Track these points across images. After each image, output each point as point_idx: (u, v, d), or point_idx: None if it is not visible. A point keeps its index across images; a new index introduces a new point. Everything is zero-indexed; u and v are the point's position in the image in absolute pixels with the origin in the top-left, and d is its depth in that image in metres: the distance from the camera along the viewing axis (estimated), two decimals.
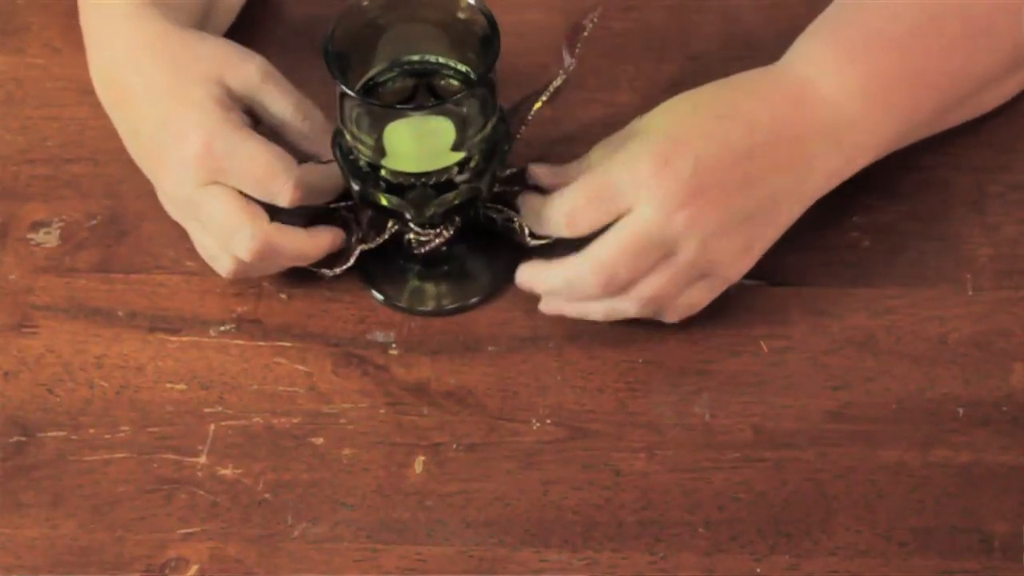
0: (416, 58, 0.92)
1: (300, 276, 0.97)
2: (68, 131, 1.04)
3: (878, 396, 0.92)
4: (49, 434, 0.92)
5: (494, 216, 0.96)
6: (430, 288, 0.97)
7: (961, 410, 0.91)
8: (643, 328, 0.94)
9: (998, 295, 0.95)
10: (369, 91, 0.91)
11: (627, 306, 0.92)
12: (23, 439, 0.92)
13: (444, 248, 0.96)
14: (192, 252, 0.97)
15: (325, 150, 0.93)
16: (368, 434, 0.92)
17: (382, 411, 0.92)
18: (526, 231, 0.94)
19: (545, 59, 0.98)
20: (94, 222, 1.00)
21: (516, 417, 0.92)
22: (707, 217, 0.89)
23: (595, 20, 0.95)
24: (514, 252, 0.96)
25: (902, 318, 0.95)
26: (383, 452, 0.91)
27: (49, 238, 1.00)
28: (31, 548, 0.88)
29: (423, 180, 0.89)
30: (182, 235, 0.97)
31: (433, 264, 0.97)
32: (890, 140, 0.95)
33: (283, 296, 0.97)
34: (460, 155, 0.89)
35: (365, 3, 0.89)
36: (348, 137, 0.89)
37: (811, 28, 0.95)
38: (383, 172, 0.90)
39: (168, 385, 0.94)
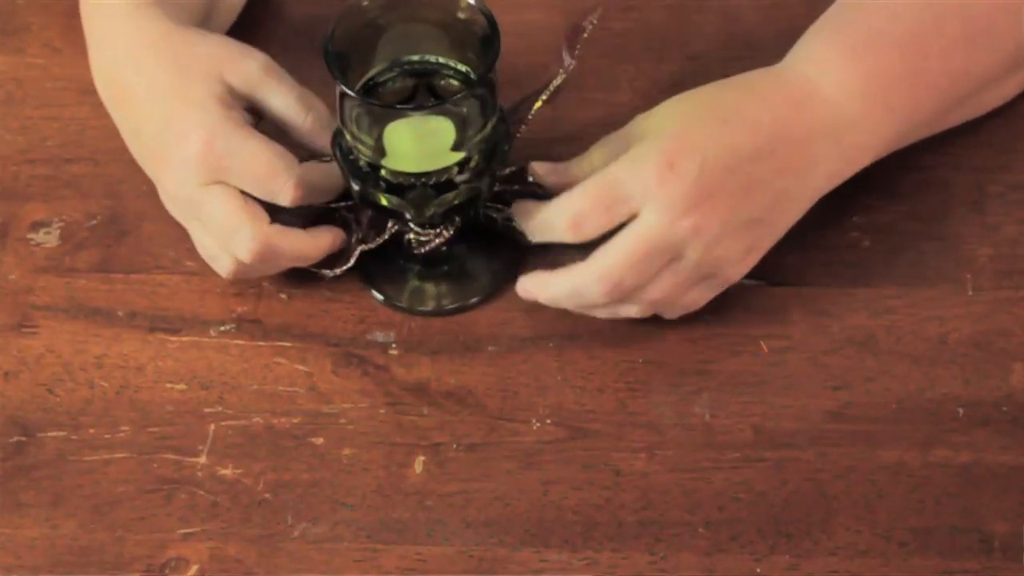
0: (416, 58, 0.92)
1: (300, 276, 0.97)
2: (68, 131, 1.04)
3: (878, 396, 0.92)
4: (49, 434, 0.92)
5: (494, 216, 0.96)
6: (430, 288, 0.97)
7: (961, 410, 0.91)
8: (643, 328, 0.94)
9: (998, 295, 0.95)
10: (369, 91, 0.91)
11: (630, 309, 0.92)
12: (23, 439, 0.92)
13: (444, 248, 0.96)
14: (192, 252, 0.97)
15: (329, 143, 0.93)
16: (368, 434, 0.92)
17: (382, 411, 0.92)
18: (537, 202, 0.94)
19: (545, 59, 0.98)
20: (94, 222, 1.00)
21: (516, 417, 0.92)
22: (712, 222, 0.89)
23: (595, 21, 0.95)
24: (514, 252, 0.96)
25: (902, 318, 0.95)
26: (383, 452, 0.91)
27: (49, 238, 1.00)
28: (31, 548, 0.88)
29: (423, 180, 0.89)
30: (182, 235, 0.97)
31: (433, 264, 0.97)
32: (891, 140, 0.95)
33: (283, 296, 0.97)
34: (460, 155, 0.89)
35: (365, 3, 0.89)
36: (348, 137, 0.89)
37: (813, 28, 0.95)
38: (383, 172, 0.90)
39: (168, 385, 0.94)
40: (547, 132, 0.99)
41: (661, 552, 0.87)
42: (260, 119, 0.95)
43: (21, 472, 0.91)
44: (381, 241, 0.96)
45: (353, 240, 0.96)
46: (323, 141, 0.93)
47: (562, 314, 0.94)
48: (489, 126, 0.89)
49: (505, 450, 0.91)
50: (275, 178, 0.91)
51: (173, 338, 0.95)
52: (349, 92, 0.87)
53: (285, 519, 0.89)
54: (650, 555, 0.87)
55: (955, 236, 0.97)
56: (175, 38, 0.94)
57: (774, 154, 0.90)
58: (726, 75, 0.94)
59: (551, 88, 0.95)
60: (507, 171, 0.96)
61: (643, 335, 0.94)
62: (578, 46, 0.95)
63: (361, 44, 0.90)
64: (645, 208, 0.88)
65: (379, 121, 0.89)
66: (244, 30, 1.04)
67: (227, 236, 0.92)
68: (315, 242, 0.94)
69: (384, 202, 0.90)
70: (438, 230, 0.95)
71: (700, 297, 0.93)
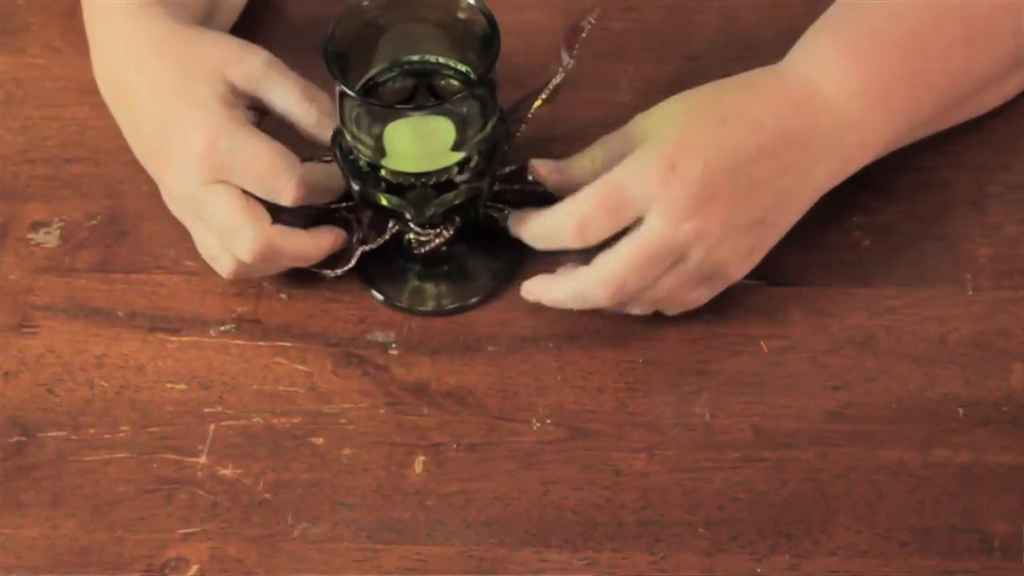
0: (416, 58, 0.92)
1: (300, 276, 0.97)
2: (68, 131, 1.04)
3: (878, 396, 0.92)
4: (49, 434, 0.92)
5: (495, 215, 0.96)
6: (430, 288, 0.97)
7: (961, 410, 0.91)
8: (643, 328, 0.94)
9: (998, 295, 0.95)
10: (369, 91, 0.91)
11: (632, 307, 0.93)
12: (23, 439, 0.92)
13: (444, 248, 0.96)
14: (192, 252, 0.97)
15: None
16: (368, 434, 0.92)
17: (382, 411, 0.92)
18: (534, 210, 0.94)
19: (545, 59, 0.98)
20: (94, 222, 1.00)
21: (516, 417, 0.92)
22: (714, 224, 0.89)
23: (592, 21, 0.95)
24: (514, 252, 0.96)
25: (902, 318, 0.95)
26: (383, 452, 0.91)
27: (49, 238, 1.00)
28: (31, 548, 0.88)
29: (423, 180, 0.89)
30: (182, 235, 0.97)
31: (433, 264, 0.97)
32: (891, 139, 0.95)
33: (283, 296, 0.97)
34: (460, 155, 0.89)
35: (365, 3, 0.89)
36: (348, 137, 0.89)
37: (813, 28, 0.95)
38: (383, 172, 0.90)
39: (168, 385, 0.94)
40: (547, 132, 0.99)
41: (661, 552, 0.87)
42: (263, 118, 0.95)
43: (21, 472, 0.91)
44: (382, 241, 0.96)
45: (354, 240, 0.96)
46: (328, 133, 0.93)
47: (562, 314, 0.94)
48: (489, 126, 0.89)
49: (505, 450, 0.91)
50: (277, 177, 0.91)
51: (173, 338, 0.95)
52: (349, 92, 0.87)
53: (285, 519, 0.89)
54: (650, 555, 0.87)
55: (955, 236, 0.97)
56: (177, 37, 0.94)
57: (775, 154, 0.90)
58: (726, 75, 0.94)
59: (550, 87, 0.95)
60: (507, 170, 0.96)
61: (643, 335, 0.94)
62: (576, 45, 0.95)
63: (361, 44, 0.90)
64: (649, 211, 0.88)
65: (379, 121, 0.88)
66: (245, 30, 1.04)
67: (229, 236, 0.92)
68: (316, 242, 0.94)
69: (384, 202, 0.90)
70: (438, 230, 0.95)
71: (702, 296, 0.93)
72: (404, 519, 0.89)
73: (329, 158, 0.93)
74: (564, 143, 0.98)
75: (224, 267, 0.94)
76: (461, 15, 0.89)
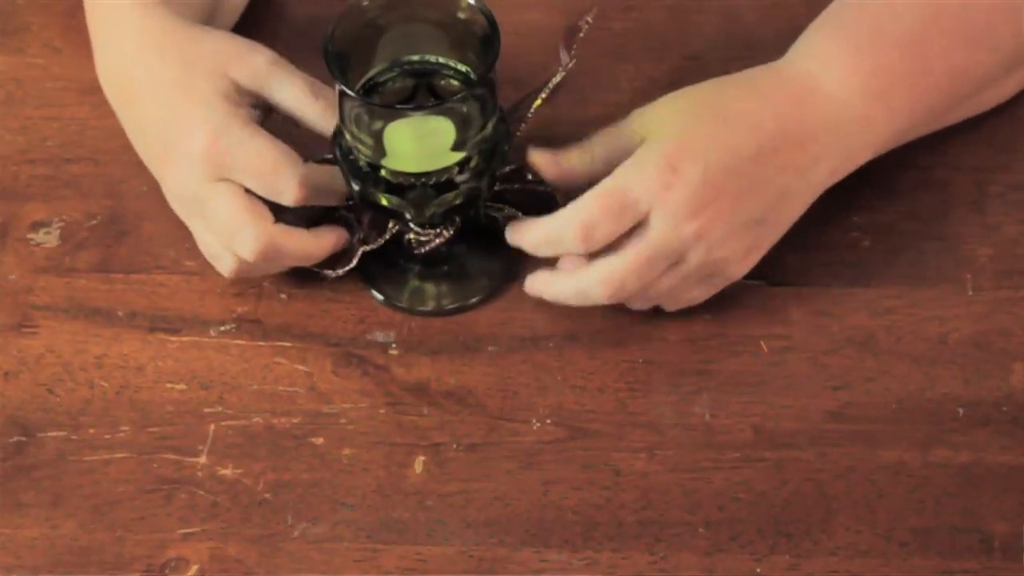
0: (416, 58, 0.92)
1: (300, 276, 0.97)
2: (68, 131, 1.04)
3: (878, 396, 0.92)
4: (49, 434, 0.92)
5: (495, 215, 0.96)
6: (430, 288, 0.97)
7: (961, 410, 0.91)
8: (643, 328, 0.94)
9: (998, 295, 0.95)
10: (369, 91, 0.91)
11: (632, 304, 0.93)
12: (23, 439, 0.92)
13: (444, 248, 0.96)
14: (192, 252, 0.97)
15: None
16: (368, 434, 0.92)
17: (382, 411, 0.92)
18: (533, 218, 0.94)
19: (545, 59, 0.99)
20: (94, 222, 1.00)
21: (516, 417, 0.92)
22: (715, 226, 0.89)
23: (590, 20, 0.95)
24: (514, 252, 0.96)
25: (902, 318, 0.95)
26: (383, 452, 0.91)
27: (49, 238, 1.00)
28: (31, 548, 0.88)
29: (423, 180, 0.89)
30: (182, 235, 0.97)
31: (433, 264, 0.97)
32: (891, 137, 0.95)
33: (283, 296, 0.97)
34: (460, 155, 0.89)
35: (365, 3, 0.89)
36: (348, 137, 0.89)
37: (814, 25, 0.95)
38: (383, 172, 0.90)
39: (168, 385, 0.94)
40: (546, 131, 0.99)
41: (661, 552, 0.87)
42: (267, 117, 0.95)
43: (21, 472, 0.91)
44: (382, 241, 0.96)
45: (354, 240, 0.96)
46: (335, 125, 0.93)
47: (562, 314, 0.94)
48: (489, 126, 0.89)
49: (505, 450, 0.91)
50: (279, 175, 0.91)
51: (173, 338, 0.95)
52: (349, 92, 0.87)
53: (285, 519, 0.89)
54: (650, 555, 0.87)
55: (955, 236, 0.97)
56: (180, 35, 0.94)
57: (776, 152, 0.90)
58: (726, 75, 0.94)
59: (550, 86, 0.95)
60: (507, 170, 0.96)
61: (643, 335, 0.94)
62: (575, 45, 0.95)
63: (361, 44, 0.90)
64: (651, 213, 0.88)
65: (379, 121, 0.88)
66: (245, 30, 1.04)
67: (231, 234, 0.92)
68: (319, 242, 0.94)
69: (384, 202, 0.90)
70: (438, 230, 0.95)
71: (702, 294, 0.93)
72: (404, 519, 0.89)
73: (330, 156, 0.93)
74: (564, 143, 0.98)
75: (225, 266, 0.94)
76: (461, 15, 0.89)
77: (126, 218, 1.00)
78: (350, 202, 0.95)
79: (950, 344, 0.93)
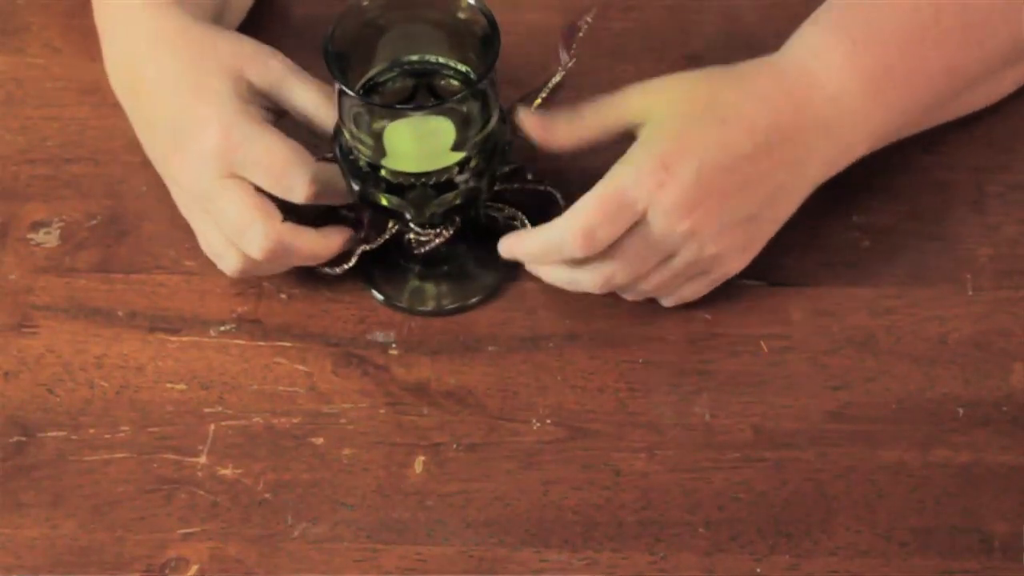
0: (416, 58, 0.92)
1: (300, 276, 0.97)
2: (68, 131, 1.04)
3: (878, 396, 0.92)
4: (49, 434, 0.92)
5: (495, 215, 0.96)
6: (430, 288, 0.97)
7: (961, 410, 0.91)
8: (643, 328, 0.94)
9: (998, 295, 0.95)
10: (369, 91, 0.91)
11: (626, 295, 0.93)
12: (23, 439, 0.92)
13: (444, 248, 0.96)
14: (192, 252, 0.97)
15: None
16: (368, 434, 0.92)
17: (382, 411, 0.92)
18: (528, 229, 0.94)
19: (545, 59, 0.98)
20: (94, 222, 1.00)
21: (516, 417, 0.92)
22: (708, 224, 0.89)
23: (590, 20, 0.95)
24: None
25: (902, 318, 0.95)
26: (383, 452, 0.91)
27: (49, 238, 1.00)
28: (31, 548, 0.88)
29: (423, 180, 0.89)
30: (182, 235, 0.97)
31: (433, 264, 0.97)
32: (886, 132, 0.95)
33: (283, 296, 0.97)
34: (460, 155, 0.89)
35: (365, 3, 0.89)
36: (348, 137, 0.89)
37: (812, 18, 0.95)
38: (383, 172, 0.90)
39: (168, 385, 0.94)
40: None
41: (661, 552, 0.87)
42: (277, 120, 0.94)
43: (21, 472, 0.91)
44: (382, 241, 0.96)
45: (355, 240, 0.96)
46: None
47: (562, 314, 0.94)
48: (489, 126, 0.89)
49: (505, 450, 0.91)
50: (290, 173, 0.91)
51: (173, 338, 0.95)
52: (349, 92, 0.87)
53: (285, 519, 0.89)
54: (650, 555, 0.87)
55: (955, 236, 0.97)
56: (192, 33, 0.94)
57: (770, 150, 0.90)
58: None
59: (550, 86, 0.95)
60: (507, 170, 0.96)
61: (643, 335, 0.94)
62: (574, 45, 0.95)
63: (361, 44, 0.90)
64: (647, 211, 0.89)
65: (379, 121, 0.88)
66: (245, 30, 1.04)
67: (239, 232, 0.91)
68: (326, 242, 0.94)
69: (384, 202, 0.90)
70: (438, 230, 0.95)
71: (699, 289, 0.93)
72: (404, 519, 0.89)
73: (331, 156, 0.93)
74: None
75: (230, 265, 0.94)
76: (461, 15, 0.89)
77: (126, 218, 1.00)
78: (350, 202, 0.95)
79: (950, 344, 0.93)
